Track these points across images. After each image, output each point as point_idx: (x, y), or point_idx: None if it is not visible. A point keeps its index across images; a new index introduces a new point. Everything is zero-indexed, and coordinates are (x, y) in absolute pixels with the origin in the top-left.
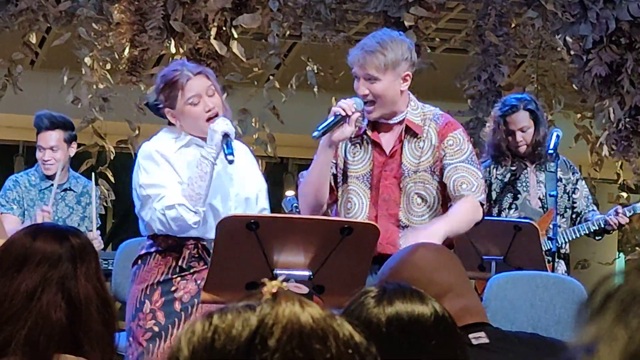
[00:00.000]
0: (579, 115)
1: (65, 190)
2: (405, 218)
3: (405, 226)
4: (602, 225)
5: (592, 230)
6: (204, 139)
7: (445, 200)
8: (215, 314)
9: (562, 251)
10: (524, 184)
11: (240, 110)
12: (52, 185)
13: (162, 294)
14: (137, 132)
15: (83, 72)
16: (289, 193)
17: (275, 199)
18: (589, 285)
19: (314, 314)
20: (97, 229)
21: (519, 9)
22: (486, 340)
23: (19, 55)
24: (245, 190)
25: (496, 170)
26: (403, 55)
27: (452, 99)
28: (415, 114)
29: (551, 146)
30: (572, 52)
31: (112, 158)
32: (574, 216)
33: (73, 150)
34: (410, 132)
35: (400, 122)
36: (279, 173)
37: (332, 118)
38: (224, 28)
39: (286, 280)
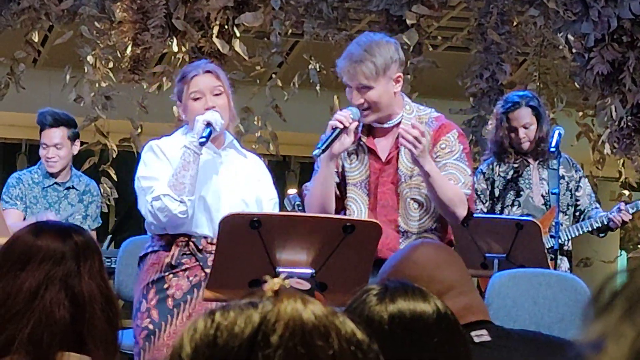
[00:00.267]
0: (580, 113)
1: (67, 188)
2: (404, 223)
3: (405, 231)
4: (606, 223)
5: (595, 228)
6: None
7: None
8: (217, 312)
9: (565, 248)
10: (526, 181)
11: (242, 108)
12: (55, 183)
13: (156, 292)
14: (139, 130)
15: (85, 70)
16: (291, 191)
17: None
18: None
19: (316, 311)
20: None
21: (521, 7)
22: (488, 338)
23: (22, 54)
24: (243, 193)
25: (499, 167)
26: (392, 58)
27: (454, 97)
28: (410, 117)
29: (553, 144)
30: (574, 50)
31: (114, 156)
32: (577, 214)
33: (76, 148)
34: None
35: (395, 126)
36: (281, 171)
37: (330, 132)
38: (226, 26)
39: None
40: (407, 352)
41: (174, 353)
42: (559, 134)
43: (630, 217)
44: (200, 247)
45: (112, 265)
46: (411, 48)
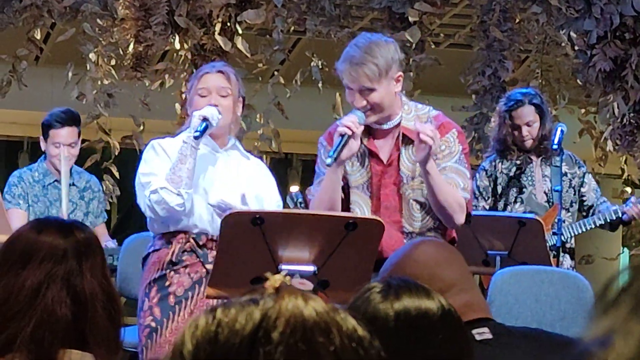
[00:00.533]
0: (583, 111)
1: (68, 185)
2: (407, 224)
3: (409, 232)
4: (620, 216)
5: (609, 221)
6: (210, 136)
7: None
8: (218, 308)
9: (568, 246)
10: (529, 177)
11: (244, 105)
12: (56, 180)
13: (158, 290)
14: (141, 127)
15: (88, 68)
16: (294, 188)
17: (280, 194)
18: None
19: (317, 308)
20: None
21: (523, 5)
22: (490, 336)
23: (24, 51)
24: (243, 191)
25: (501, 164)
26: (393, 58)
27: (457, 95)
28: (409, 118)
29: (556, 141)
30: (576, 48)
31: (116, 154)
32: (585, 209)
33: (79, 144)
34: (406, 138)
35: (395, 127)
36: (284, 169)
37: (339, 139)
38: (228, 24)
39: (290, 275)
40: (411, 349)
41: (176, 350)
42: (562, 131)
43: None
44: (201, 244)
45: (114, 263)
46: (413, 45)
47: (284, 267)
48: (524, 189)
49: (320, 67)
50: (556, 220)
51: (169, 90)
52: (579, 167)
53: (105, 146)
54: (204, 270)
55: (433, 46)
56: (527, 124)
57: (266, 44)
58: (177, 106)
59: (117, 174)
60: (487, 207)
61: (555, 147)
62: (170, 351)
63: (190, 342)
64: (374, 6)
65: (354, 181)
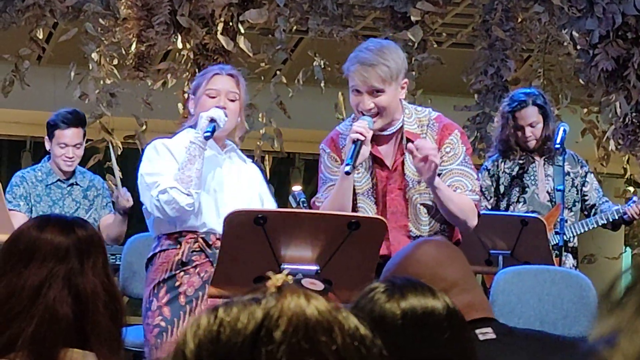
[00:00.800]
0: (585, 110)
1: (71, 185)
2: (415, 228)
3: (416, 236)
4: (620, 216)
5: (610, 221)
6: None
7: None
8: (220, 308)
9: (570, 245)
10: (532, 177)
11: (247, 105)
12: (58, 180)
13: (167, 291)
14: (144, 127)
15: (90, 67)
16: (296, 188)
17: (283, 193)
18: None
19: (320, 307)
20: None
21: (526, 4)
22: (493, 336)
23: (26, 51)
24: (248, 191)
25: (504, 164)
26: (403, 64)
27: (459, 94)
28: (410, 122)
29: (558, 140)
30: (578, 47)
31: (119, 153)
32: (587, 208)
33: (84, 145)
34: (409, 142)
35: (396, 132)
36: (286, 168)
37: (353, 146)
38: (230, 23)
39: (293, 274)
40: (418, 348)
41: (178, 349)
42: (564, 131)
43: None
44: (210, 243)
45: (117, 262)
46: (416, 45)
47: (286, 266)
48: (527, 189)
49: (323, 66)
50: (559, 219)
51: (171, 90)
52: (581, 167)
53: (108, 146)
54: (213, 269)
55: (435, 45)
56: (531, 125)
57: (268, 44)
58: (180, 106)
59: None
60: (490, 206)
61: (557, 146)
62: (173, 350)
63: (193, 342)
64: (376, 5)
65: (358, 188)
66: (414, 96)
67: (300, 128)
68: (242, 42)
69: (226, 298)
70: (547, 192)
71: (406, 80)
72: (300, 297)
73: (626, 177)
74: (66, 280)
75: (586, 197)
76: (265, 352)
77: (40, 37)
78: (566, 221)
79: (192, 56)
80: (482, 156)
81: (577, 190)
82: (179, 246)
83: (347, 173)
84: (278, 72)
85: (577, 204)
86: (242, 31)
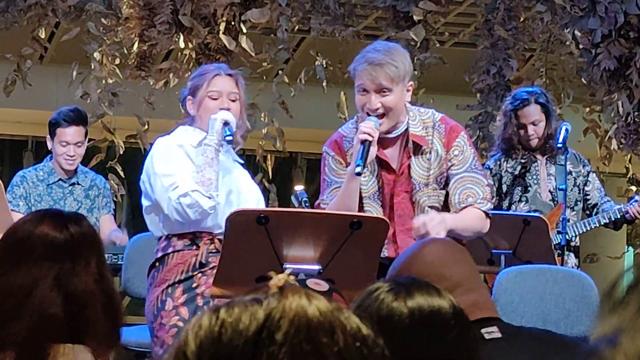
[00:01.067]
0: (587, 109)
1: (73, 184)
2: None
3: None
4: (622, 215)
5: (612, 220)
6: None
7: (447, 208)
8: (222, 308)
9: (572, 244)
10: (534, 176)
11: (249, 105)
12: (60, 179)
13: (184, 291)
14: (146, 126)
15: (92, 67)
16: (298, 187)
17: (285, 193)
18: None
19: (321, 307)
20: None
21: (528, 3)
22: (499, 335)
23: (28, 50)
24: (255, 191)
25: (506, 163)
26: (410, 67)
27: (461, 93)
28: (415, 124)
29: (560, 140)
30: (580, 46)
31: (121, 153)
32: (589, 208)
33: (86, 144)
34: (415, 145)
35: (401, 135)
36: (288, 167)
37: (362, 146)
38: (232, 23)
39: (295, 274)
40: (424, 347)
41: (179, 350)
42: (566, 130)
43: None
44: None
45: (120, 262)
46: (418, 44)
47: (288, 266)
48: (529, 188)
49: (325, 66)
50: (561, 219)
51: (173, 90)
52: (583, 166)
53: (110, 145)
54: None
55: (437, 45)
56: (533, 123)
57: (270, 43)
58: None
59: (122, 173)
60: (492, 206)
61: (559, 145)
62: (174, 351)
63: (194, 343)
64: (379, 5)
65: (364, 191)
66: (416, 95)
67: (302, 128)
68: (244, 41)
69: (229, 298)
70: (550, 191)
71: (412, 83)
72: (302, 297)
73: (628, 176)
74: (56, 280)
75: (588, 197)
76: (266, 354)
77: (43, 36)
78: (568, 220)
79: (194, 56)
80: (485, 155)
81: (580, 190)
82: (194, 247)
83: (358, 174)
84: (280, 72)
85: (579, 203)
86: (244, 31)
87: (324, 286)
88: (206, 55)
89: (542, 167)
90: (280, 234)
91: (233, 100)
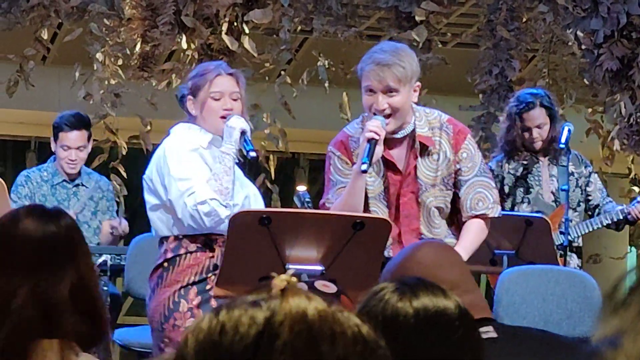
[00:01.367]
0: (590, 110)
1: (77, 186)
2: (427, 231)
3: (429, 239)
4: (624, 217)
5: (615, 221)
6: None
7: (453, 209)
8: (222, 310)
9: (575, 245)
10: (536, 177)
11: (251, 105)
12: (64, 180)
13: (198, 293)
14: (148, 127)
15: (95, 67)
16: (301, 188)
17: (287, 194)
18: (601, 279)
19: (321, 311)
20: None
21: (530, 4)
22: (494, 335)
23: (31, 51)
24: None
25: (508, 164)
26: (417, 68)
27: (464, 94)
28: (421, 125)
29: (563, 140)
30: (583, 47)
31: (124, 153)
32: (591, 208)
33: (89, 147)
34: (422, 146)
35: (407, 135)
36: (291, 168)
37: (368, 145)
38: (235, 23)
39: (298, 275)
40: (429, 348)
41: (179, 353)
42: (569, 131)
43: None
44: None
45: (122, 263)
46: (420, 45)
47: (291, 266)
48: (531, 189)
49: (327, 66)
50: (563, 219)
51: (175, 90)
52: (585, 167)
53: (113, 146)
54: None
55: (440, 45)
56: (538, 126)
57: (273, 44)
58: None
59: (124, 174)
60: (500, 208)
61: (562, 146)
62: (174, 354)
63: (193, 349)
64: (381, 5)
65: (370, 191)
66: (419, 96)
67: (304, 128)
68: (246, 42)
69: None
70: (552, 192)
71: (418, 83)
72: (302, 300)
73: (631, 176)
74: (34, 284)
75: (590, 198)
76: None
77: (45, 37)
78: (571, 221)
79: (196, 56)
80: (487, 156)
81: (582, 191)
82: (208, 249)
83: (364, 171)
84: (282, 72)
85: (581, 204)
86: (247, 31)
87: (332, 288)
88: (208, 55)
89: (544, 169)
90: (282, 235)
91: (235, 100)
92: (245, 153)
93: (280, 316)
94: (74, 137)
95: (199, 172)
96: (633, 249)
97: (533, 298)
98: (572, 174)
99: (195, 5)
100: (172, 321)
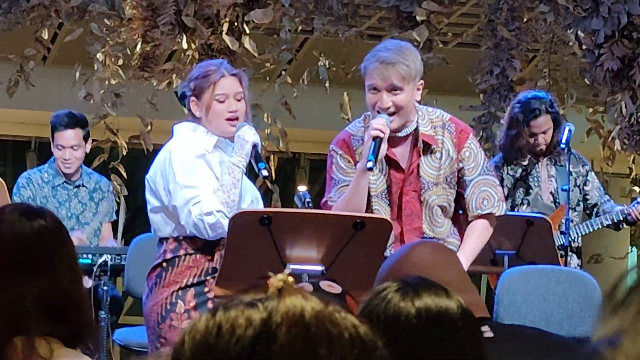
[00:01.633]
0: (590, 110)
1: (77, 186)
2: (429, 230)
3: (430, 238)
4: (624, 217)
5: (615, 222)
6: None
7: (457, 207)
8: (219, 311)
9: (574, 245)
10: (535, 179)
11: (252, 105)
12: (65, 182)
13: (195, 295)
14: (149, 127)
15: (95, 67)
16: (301, 188)
17: (288, 194)
18: (602, 279)
19: (319, 312)
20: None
21: (531, 4)
22: (491, 334)
23: (31, 51)
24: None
25: (508, 166)
26: (421, 65)
27: (464, 94)
28: (424, 123)
29: (563, 140)
30: (584, 47)
31: (124, 154)
32: (589, 207)
33: (88, 147)
34: (425, 144)
35: (410, 134)
36: (291, 168)
37: (373, 142)
38: (235, 23)
39: (298, 274)
40: (431, 348)
41: (175, 353)
42: (569, 131)
43: None
44: None
45: (122, 263)
46: (421, 44)
47: (291, 266)
48: (531, 190)
49: (328, 66)
50: (564, 219)
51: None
52: (582, 166)
53: (113, 146)
54: None
55: (441, 45)
56: (544, 132)
57: (273, 44)
58: None
59: (124, 174)
60: (505, 205)
61: (563, 146)
62: (170, 355)
63: (190, 350)
64: (382, 5)
65: (373, 190)
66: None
67: (305, 128)
68: (247, 42)
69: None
70: (551, 193)
71: (422, 82)
72: (299, 301)
73: (631, 176)
74: (11, 289)
75: (587, 197)
76: None
77: (46, 37)
78: (571, 221)
79: (197, 56)
80: (488, 156)
81: (580, 190)
82: (207, 252)
83: (370, 169)
84: (283, 72)
85: (580, 203)
86: (247, 31)
87: (337, 289)
88: (209, 55)
89: (543, 169)
90: (283, 235)
91: (239, 100)
92: (256, 170)
93: (277, 318)
94: (67, 136)
95: (206, 180)
96: (634, 249)
97: (534, 298)
98: (571, 173)
99: (195, 5)
100: (169, 321)
